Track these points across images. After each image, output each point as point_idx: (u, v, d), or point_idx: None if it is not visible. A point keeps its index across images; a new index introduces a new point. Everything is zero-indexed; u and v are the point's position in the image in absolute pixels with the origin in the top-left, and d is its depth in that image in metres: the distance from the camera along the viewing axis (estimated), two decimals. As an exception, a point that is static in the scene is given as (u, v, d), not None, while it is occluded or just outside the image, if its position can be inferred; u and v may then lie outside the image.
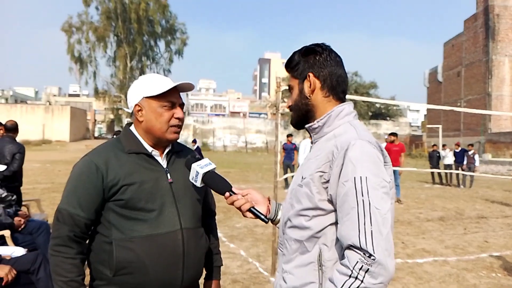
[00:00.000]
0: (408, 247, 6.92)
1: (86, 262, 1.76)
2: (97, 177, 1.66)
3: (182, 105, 1.81)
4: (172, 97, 1.74)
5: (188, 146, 2.12)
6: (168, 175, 1.79)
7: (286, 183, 13.13)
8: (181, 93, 1.84)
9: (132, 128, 1.83)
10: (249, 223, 8.31)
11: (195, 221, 1.84)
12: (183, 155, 1.89)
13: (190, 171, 1.73)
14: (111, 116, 46.53)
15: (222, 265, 2.12)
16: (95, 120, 52.02)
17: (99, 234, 1.72)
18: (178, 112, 1.77)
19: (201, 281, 1.98)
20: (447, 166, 17.32)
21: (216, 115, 55.33)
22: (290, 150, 13.47)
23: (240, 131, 42.59)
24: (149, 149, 1.78)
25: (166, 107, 1.73)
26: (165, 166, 1.81)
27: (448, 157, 17.35)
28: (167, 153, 1.84)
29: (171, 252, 1.70)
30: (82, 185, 1.67)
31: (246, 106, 70.97)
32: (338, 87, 1.53)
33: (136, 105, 1.76)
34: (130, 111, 1.81)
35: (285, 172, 12.62)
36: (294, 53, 1.58)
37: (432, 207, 11.22)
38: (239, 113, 64.62)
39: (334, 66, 1.52)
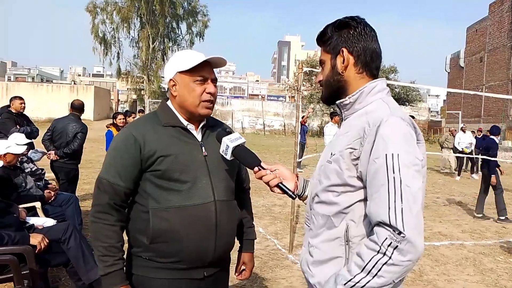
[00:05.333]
0: (424, 230, 6.90)
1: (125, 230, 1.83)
2: (135, 148, 1.72)
3: (214, 80, 1.83)
4: (204, 72, 1.77)
5: None
6: (203, 148, 1.83)
7: (299, 163, 13.44)
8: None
9: (169, 102, 1.88)
10: (267, 202, 8.44)
11: (228, 193, 1.88)
12: (217, 129, 1.91)
13: (220, 144, 1.78)
14: (134, 96, 46.89)
15: (255, 238, 2.18)
16: (118, 100, 52.55)
17: (137, 203, 1.79)
18: (209, 87, 1.79)
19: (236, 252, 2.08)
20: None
21: (235, 97, 55.31)
22: (304, 131, 14.13)
23: (259, 113, 42.44)
24: (185, 122, 1.83)
25: (198, 81, 1.76)
26: (200, 139, 1.85)
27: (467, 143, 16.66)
28: (202, 127, 1.88)
29: (204, 223, 1.76)
30: (121, 156, 1.74)
31: (264, 89, 70.74)
32: (372, 63, 1.48)
33: (170, 80, 1.81)
34: (166, 86, 1.86)
35: (301, 151, 12.92)
36: (327, 26, 1.53)
37: (449, 192, 11.17)
38: (257, 95, 64.46)
39: (369, 41, 1.47)
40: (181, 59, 1.79)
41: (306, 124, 14.89)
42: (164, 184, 1.74)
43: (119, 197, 1.75)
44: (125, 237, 1.82)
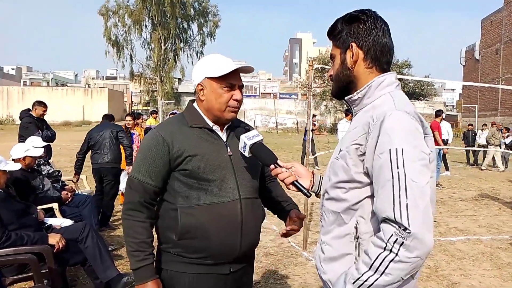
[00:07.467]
0: (440, 225, 6.90)
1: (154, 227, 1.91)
2: (164, 148, 1.79)
3: (241, 87, 1.89)
4: (232, 79, 1.83)
5: None
6: (228, 148, 1.89)
7: (316, 160, 13.61)
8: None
9: (195, 104, 1.95)
10: (281, 200, 8.43)
11: (253, 192, 1.93)
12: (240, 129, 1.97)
13: (239, 141, 1.83)
14: (147, 98, 47.36)
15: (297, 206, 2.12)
16: (132, 101, 53.10)
17: (166, 201, 1.86)
18: (236, 94, 1.85)
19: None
20: (482, 147, 16.62)
21: (247, 96, 55.32)
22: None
23: (271, 112, 42.49)
24: (210, 124, 1.89)
25: (226, 88, 1.82)
26: (225, 139, 1.91)
27: (482, 137, 16.24)
28: (227, 128, 1.94)
29: (231, 220, 1.81)
30: (150, 156, 1.81)
31: (276, 87, 70.55)
32: (382, 57, 1.45)
33: (198, 84, 1.86)
34: (193, 88, 1.93)
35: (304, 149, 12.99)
36: (337, 20, 1.51)
37: (466, 187, 11.06)
38: (270, 94, 64.35)
39: (379, 35, 1.43)
40: (211, 65, 1.84)
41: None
42: (192, 183, 1.80)
43: (149, 195, 1.83)
44: (155, 234, 1.89)
